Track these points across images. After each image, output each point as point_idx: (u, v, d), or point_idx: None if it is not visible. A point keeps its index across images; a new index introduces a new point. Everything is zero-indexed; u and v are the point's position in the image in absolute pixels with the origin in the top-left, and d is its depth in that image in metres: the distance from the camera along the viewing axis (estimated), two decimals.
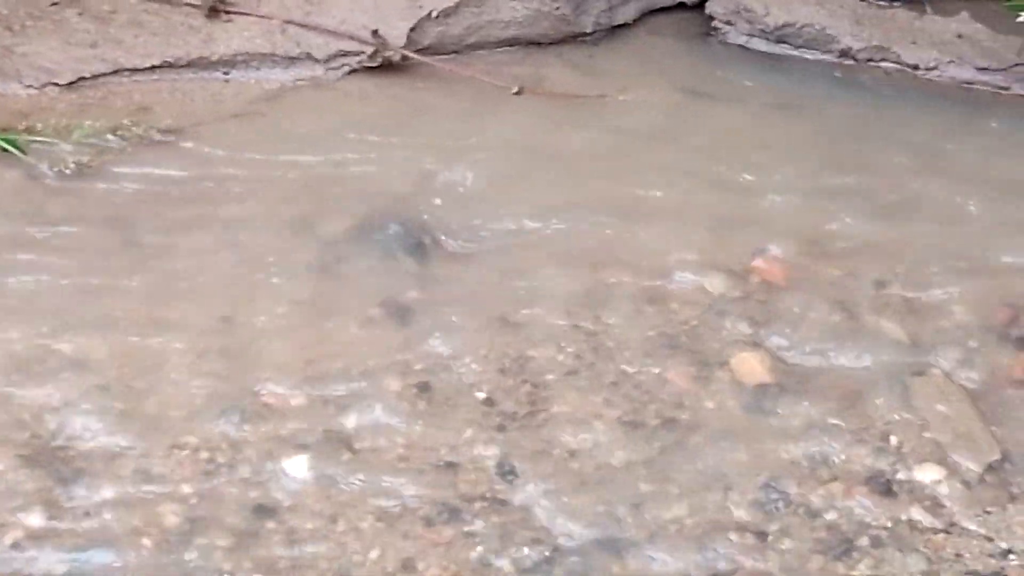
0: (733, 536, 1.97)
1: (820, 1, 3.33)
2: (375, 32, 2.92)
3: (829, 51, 3.28)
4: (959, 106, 3.31)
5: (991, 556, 2.02)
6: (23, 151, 2.67)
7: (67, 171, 2.65)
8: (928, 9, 3.36)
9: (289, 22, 3.05)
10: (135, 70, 2.89)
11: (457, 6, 3.13)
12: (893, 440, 2.15)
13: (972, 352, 2.36)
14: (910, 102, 3.26)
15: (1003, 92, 3.21)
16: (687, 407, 2.25)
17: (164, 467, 2.12)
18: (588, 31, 3.28)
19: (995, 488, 2.15)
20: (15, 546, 1.90)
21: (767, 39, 3.28)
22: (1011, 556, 2.00)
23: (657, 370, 2.33)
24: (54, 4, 2.97)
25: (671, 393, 2.31)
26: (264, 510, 2.06)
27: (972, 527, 2.06)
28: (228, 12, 3.06)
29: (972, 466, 2.14)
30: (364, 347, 2.39)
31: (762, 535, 1.96)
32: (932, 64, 3.17)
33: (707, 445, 2.12)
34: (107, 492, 1.97)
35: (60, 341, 2.35)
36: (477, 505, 2.02)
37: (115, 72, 2.88)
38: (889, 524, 2.03)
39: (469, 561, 1.94)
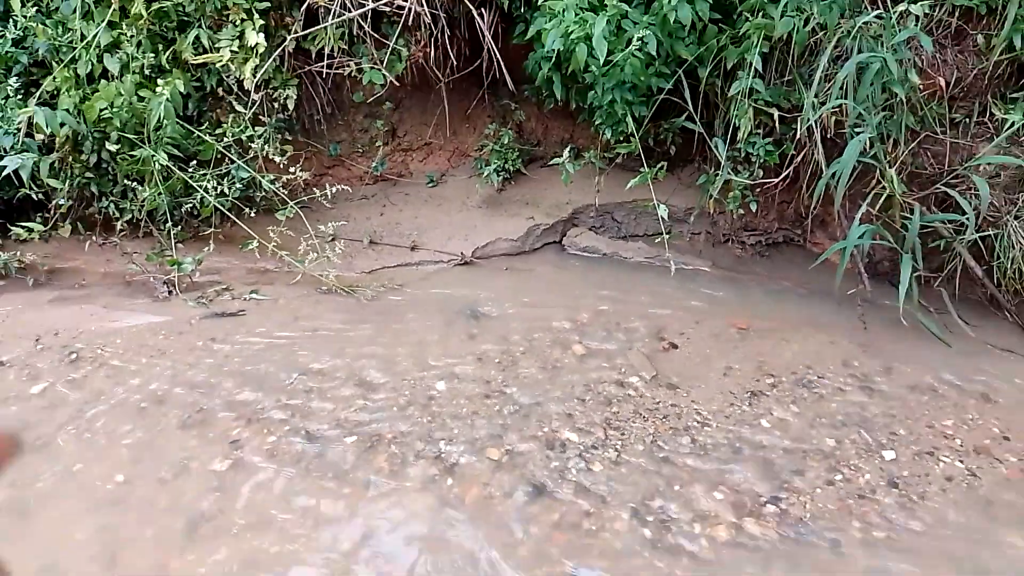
0: None
1: (596, 239, 5.88)
2: (462, 253, 5.71)
3: (597, 252, 5.77)
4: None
5: None
6: (352, 292, 5.17)
7: (368, 299, 5.11)
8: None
9: (437, 251, 5.76)
10: (388, 267, 5.68)
11: (486, 244, 5.84)
12: None
13: None
14: (625, 266, 5.60)
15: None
16: None
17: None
18: (527, 250, 5.85)
19: None
20: None
21: (582, 251, 5.85)
22: None
23: None
24: (366, 247, 5.90)
25: None
26: None
27: None
28: (417, 248, 5.82)
29: None
30: (457, 343, 4.47)
31: None
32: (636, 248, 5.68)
33: None
34: None
35: (344, 358, 4.22)
36: None
37: (383, 268, 5.68)
38: None
39: None
